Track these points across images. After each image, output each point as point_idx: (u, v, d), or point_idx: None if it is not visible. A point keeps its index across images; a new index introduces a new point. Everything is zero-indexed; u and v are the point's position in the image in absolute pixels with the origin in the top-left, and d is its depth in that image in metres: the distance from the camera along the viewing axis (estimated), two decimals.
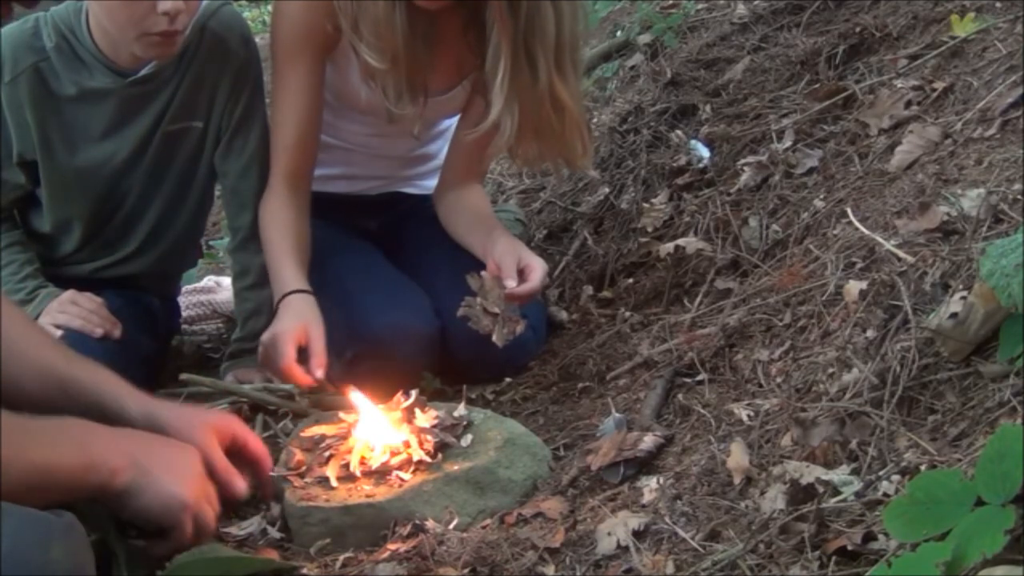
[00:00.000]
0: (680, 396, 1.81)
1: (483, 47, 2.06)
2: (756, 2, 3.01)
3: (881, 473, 1.32)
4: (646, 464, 1.64)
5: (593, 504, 1.57)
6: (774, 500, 1.37)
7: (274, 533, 1.68)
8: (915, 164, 1.98)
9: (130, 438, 1.47)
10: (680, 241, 2.26)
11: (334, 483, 1.69)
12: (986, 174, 1.77)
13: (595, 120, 3.12)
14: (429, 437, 1.73)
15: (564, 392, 2.05)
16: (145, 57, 2.06)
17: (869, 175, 2.06)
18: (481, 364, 2.12)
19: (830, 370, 1.60)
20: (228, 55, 2.16)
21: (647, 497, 1.53)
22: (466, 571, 1.47)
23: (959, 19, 2.26)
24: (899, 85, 2.21)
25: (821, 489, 1.34)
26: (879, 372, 1.48)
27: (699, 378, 1.84)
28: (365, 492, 1.67)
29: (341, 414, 1.86)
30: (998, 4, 2.30)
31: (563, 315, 2.33)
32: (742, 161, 2.34)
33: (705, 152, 2.49)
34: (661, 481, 1.56)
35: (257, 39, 2.32)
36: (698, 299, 2.11)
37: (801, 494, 1.35)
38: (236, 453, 1.66)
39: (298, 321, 1.94)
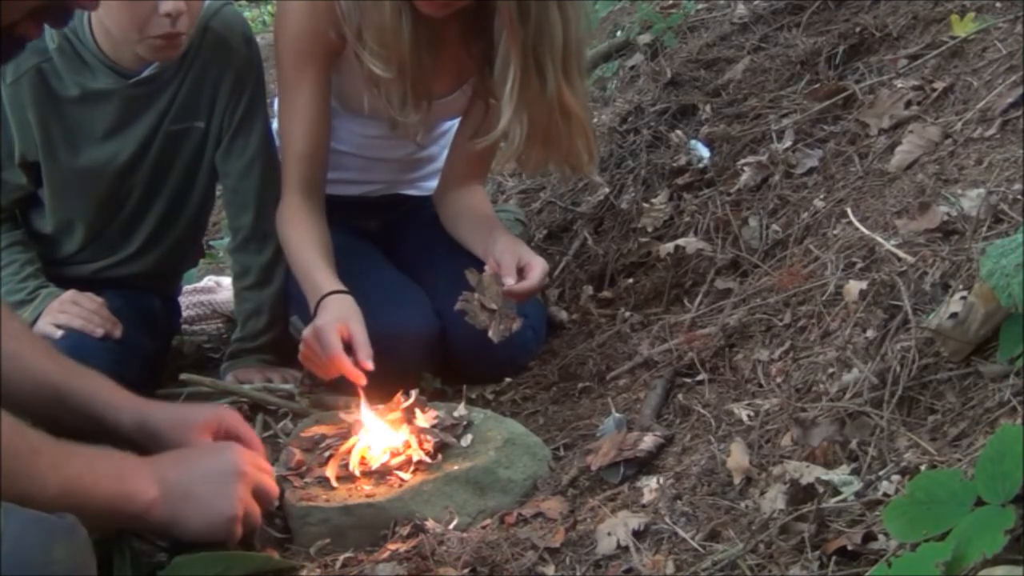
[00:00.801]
0: (680, 396, 1.81)
1: (488, 52, 2.06)
2: (756, 2, 3.01)
3: (881, 473, 1.32)
4: (646, 464, 1.64)
5: (593, 504, 1.57)
6: (774, 500, 1.37)
7: (274, 533, 1.68)
8: (915, 164, 1.98)
9: (165, 466, 1.47)
10: (680, 241, 2.26)
11: (334, 483, 1.70)
12: (986, 174, 1.77)
13: (595, 120, 3.12)
14: (429, 437, 1.73)
15: (564, 392, 2.05)
16: (148, 58, 2.06)
17: (869, 175, 2.06)
18: (481, 364, 2.12)
19: (830, 370, 1.60)
20: (230, 55, 2.16)
21: (647, 497, 1.53)
22: (466, 571, 1.47)
23: (959, 19, 2.26)
24: (899, 85, 2.21)
25: (821, 489, 1.34)
26: (879, 372, 1.48)
27: (699, 378, 1.84)
28: (365, 492, 1.67)
29: (341, 414, 1.86)
30: (998, 4, 2.30)
31: (563, 315, 2.33)
32: (742, 161, 2.34)
33: (705, 152, 2.49)
34: (661, 481, 1.56)
35: (258, 39, 2.32)
36: (698, 299, 2.11)
37: (801, 494, 1.35)
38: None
39: (339, 316, 1.93)
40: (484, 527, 1.61)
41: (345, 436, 1.78)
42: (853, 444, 1.42)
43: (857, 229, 1.84)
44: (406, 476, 1.68)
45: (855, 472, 1.37)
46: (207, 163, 2.23)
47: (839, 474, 1.37)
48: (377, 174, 2.39)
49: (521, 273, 2.01)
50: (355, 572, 1.54)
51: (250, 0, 7.89)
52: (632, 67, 3.26)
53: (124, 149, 2.14)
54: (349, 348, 1.90)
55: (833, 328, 1.70)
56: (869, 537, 1.22)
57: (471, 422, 1.78)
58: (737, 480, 1.48)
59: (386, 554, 1.55)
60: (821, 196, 2.10)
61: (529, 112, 2.01)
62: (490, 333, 1.96)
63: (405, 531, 1.59)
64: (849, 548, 1.22)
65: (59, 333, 2.05)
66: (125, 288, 2.26)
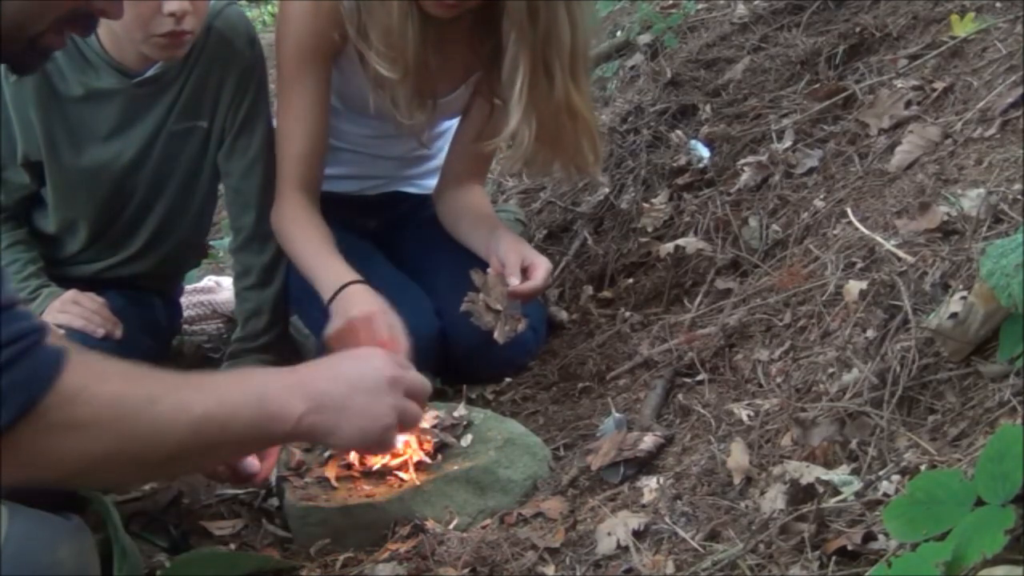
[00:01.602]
0: (680, 396, 1.81)
1: (495, 52, 2.06)
2: (756, 2, 3.01)
3: (881, 473, 1.32)
4: (646, 464, 1.64)
5: (593, 504, 1.57)
6: (774, 500, 1.37)
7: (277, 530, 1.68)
8: (915, 164, 1.98)
9: (313, 377, 1.41)
10: (680, 241, 2.26)
11: (334, 483, 1.70)
12: (986, 174, 1.77)
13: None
14: (429, 437, 1.73)
15: (564, 392, 2.05)
16: (153, 58, 2.06)
17: (869, 175, 2.06)
18: (481, 364, 2.12)
19: (830, 370, 1.60)
20: (233, 55, 2.16)
21: (647, 497, 1.53)
22: (466, 571, 1.47)
23: (959, 19, 2.26)
24: (899, 85, 2.21)
25: (821, 489, 1.34)
26: (879, 372, 1.48)
27: (699, 378, 1.84)
28: (365, 492, 1.67)
29: None
30: (998, 4, 2.30)
31: (563, 315, 2.33)
32: (742, 161, 2.34)
33: (705, 152, 2.49)
34: (661, 481, 1.56)
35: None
36: (698, 299, 2.11)
37: (801, 494, 1.35)
38: None
39: (375, 305, 1.90)
40: (484, 527, 1.61)
41: None
42: (853, 444, 1.42)
43: (857, 229, 1.84)
44: (406, 476, 1.68)
45: (855, 472, 1.37)
46: (210, 163, 2.23)
47: (839, 474, 1.37)
48: (376, 171, 2.39)
49: (525, 273, 2.01)
50: (355, 572, 1.54)
51: (250, 0, 7.89)
52: (632, 67, 3.26)
53: (127, 149, 2.14)
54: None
55: (833, 328, 1.70)
56: (869, 537, 1.22)
57: (471, 422, 1.79)
58: (737, 480, 1.48)
59: (386, 554, 1.55)
60: (821, 196, 2.10)
61: (537, 114, 2.01)
62: (495, 334, 1.96)
63: (405, 531, 1.59)
64: (849, 548, 1.22)
65: (60, 332, 2.05)
66: (127, 288, 2.26)
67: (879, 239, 1.75)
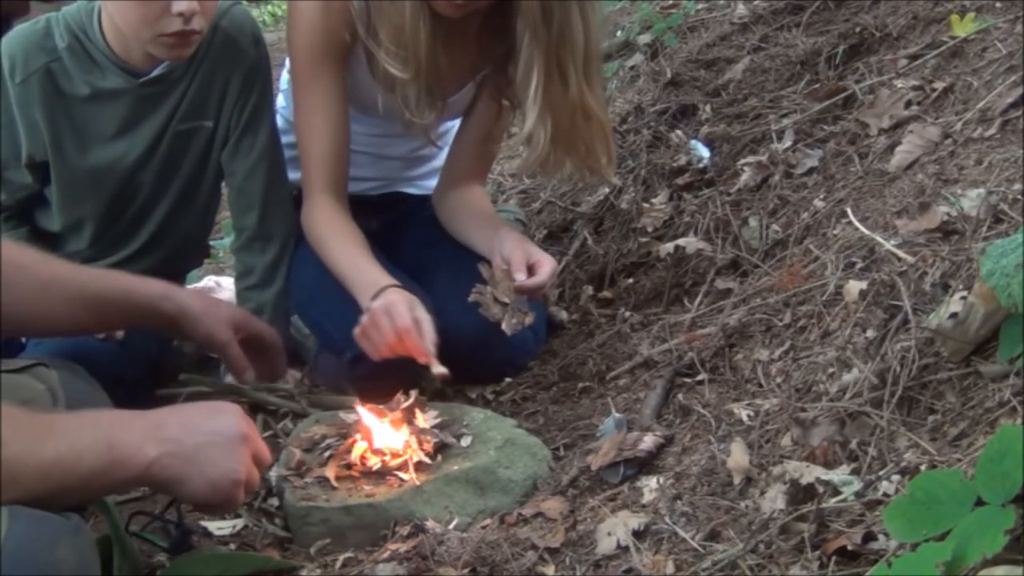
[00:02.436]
0: (680, 396, 1.81)
1: (506, 52, 2.06)
2: (756, 2, 3.01)
3: (881, 473, 1.32)
4: (646, 464, 1.64)
5: (593, 504, 1.57)
6: (774, 500, 1.37)
7: (277, 530, 1.68)
8: (915, 164, 1.98)
9: (167, 424, 1.41)
10: (680, 241, 2.26)
11: (334, 483, 1.70)
12: (986, 174, 1.77)
13: None
14: (429, 437, 1.73)
15: (564, 392, 2.05)
16: (160, 57, 2.06)
17: (869, 175, 2.06)
18: (481, 364, 2.12)
19: (830, 370, 1.60)
20: (239, 55, 2.16)
21: (647, 497, 1.53)
22: (466, 571, 1.47)
23: (959, 19, 2.26)
24: (899, 85, 2.21)
25: (821, 489, 1.34)
26: (879, 372, 1.48)
27: (699, 378, 1.84)
28: (365, 492, 1.67)
29: (341, 414, 1.86)
30: (998, 4, 2.30)
31: (563, 315, 2.33)
32: (742, 161, 2.34)
33: (705, 152, 2.49)
34: (661, 481, 1.56)
35: None
36: (698, 299, 2.11)
37: (801, 494, 1.35)
38: (250, 342, 1.81)
39: (408, 300, 1.90)
40: (484, 527, 1.61)
41: (345, 436, 1.79)
42: (853, 444, 1.42)
43: (857, 229, 1.84)
44: (406, 476, 1.68)
45: (855, 472, 1.37)
46: (214, 163, 2.23)
47: (839, 474, 1.37)
48: (379, 171, 2.39)
49: (530, 270, 2.01)
50: (355, 572, 1.54)
51: (251, 0, 7.89)
52: (632, 67, 3.26)
53: (133, 148, 2.14)
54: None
55: (833, 328, 1.70)
56: (869, 537, 1.22)
57: (470, 423, 1.79)
58: (737, 480, 1.48)
59: (386, 554, 1.55)
60: (821, 196, 2.10)
61: (552, 115, 2.01)
62: (503, 326, 1.96)
63: (405, 531, 1.59)
64: (849, 548, 1.22)
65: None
66: None
67: (879, 239, 1.75)
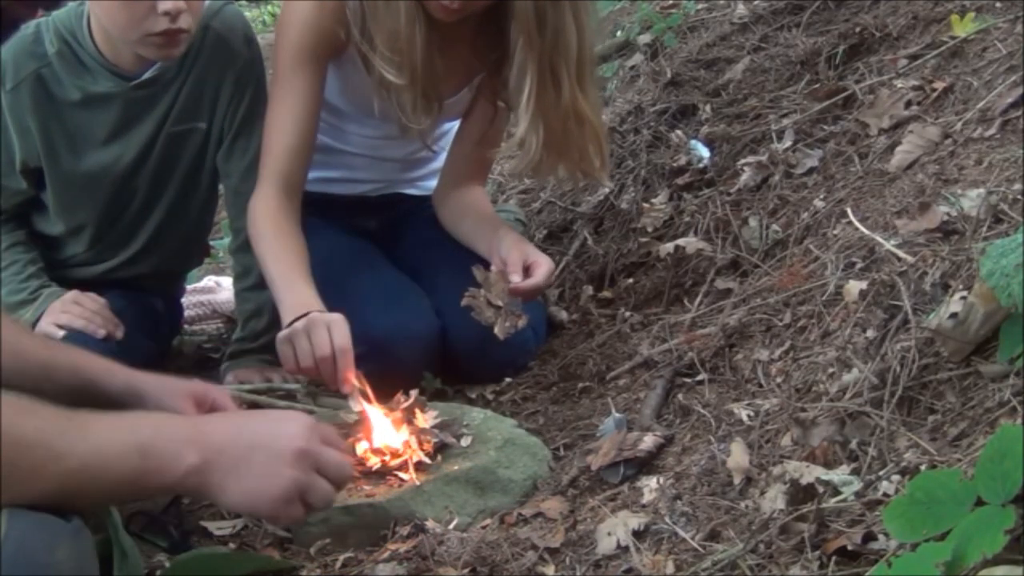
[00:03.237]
0: (680, 396, 1.81)
1: (500, 55, 2.05)
2: (756, 2, 3.01)
3: (881, 473, 1.32)
4: (646, 464, 1.64)
5: (593, 504, 1.57)
6: (774, 500, 1.37)
7: (277, 530, 1.68)
8: (915, 164, 1.98)
9: (215, 430, 1.35)
10: (680, 241, 2.26)
11: None
12: (986, 174, 1.77)
13: None
14: (429, 437, 1.73)
15: (564, 392, 2.05)
16: (149, 58, 2.05)
17: (869, 175, 2.06)
18: (481, 364, 2.12)
19: (830, 370, 1.60)
20: (231, 55, 2.16)
21: (647, 497, 1.53)
22: (466, 571, 1.47)
23: (959, 19, 2.26)
24: (899, 85, 2.21)
25: (821, 489, 1.34)
26: (879, 372, 1.48)
27: (699, 378, 1.84)
28: (365, 492, 1.67)
29: (341, 414, 1.86)
30: (998, 4, 2.30)
31: (563, 315, 2.33)
32: (742, 161, 2.34)
33: (705, 152, 2.49)
34: (661, 481, 1.56)
35: (258, 39, 2.31)
36: (698, 299, 2.11)
37: (801, 494, 1.35)
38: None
39: (328, 319, 1.82)
40: (484, 527, 1.61)
41: (345, 436, 1.78)
42: (853, 444, 1.42)
43: (857, 229, 1.84)
44: (406, 476, 1.68)
45: (855, 472, 1.37)
46: (209, 164, 2.23)
47: (839, 474, 1.37)
48: (377, 173, 2.39)
49: (527, 271, 2.01)
50: (355, 572, 1.54)
51: (250, 0, 7.88)
52: (632, 67, 3.26)
53: (127, 152, 2.14)
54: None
55: (833, 328, 1.70)
56: (869, 537, 1.22)
57: (470, 423, 1.79)
58: (737, 480, 1.48)
59: (386, 554, 1.55)
60: (821, 196, 2.10)
61: (545, 120, 2.01)
62: (495, 330, 1.95)
63: (405, 531, 1.59)
64: (849, 548, 1.22)
65: (61, 333, 2.05)
66: (128, 288, 2.26)
67: (879, 239, 1.75)
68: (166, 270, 2.35)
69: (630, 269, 2.39)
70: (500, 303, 1.96)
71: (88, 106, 2.10)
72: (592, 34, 2.04)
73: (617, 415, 1.78)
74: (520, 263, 2.01)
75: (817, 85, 2.45)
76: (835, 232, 1.93)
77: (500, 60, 2.08)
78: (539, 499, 1.65)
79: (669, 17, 3.26)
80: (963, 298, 1.41)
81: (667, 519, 1.45)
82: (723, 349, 1.87)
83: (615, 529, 1.45)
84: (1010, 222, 1.59)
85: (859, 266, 1.77)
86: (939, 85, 2.14)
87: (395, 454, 1.71)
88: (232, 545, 1.68)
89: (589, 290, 2.38)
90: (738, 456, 1.50)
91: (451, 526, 1.60)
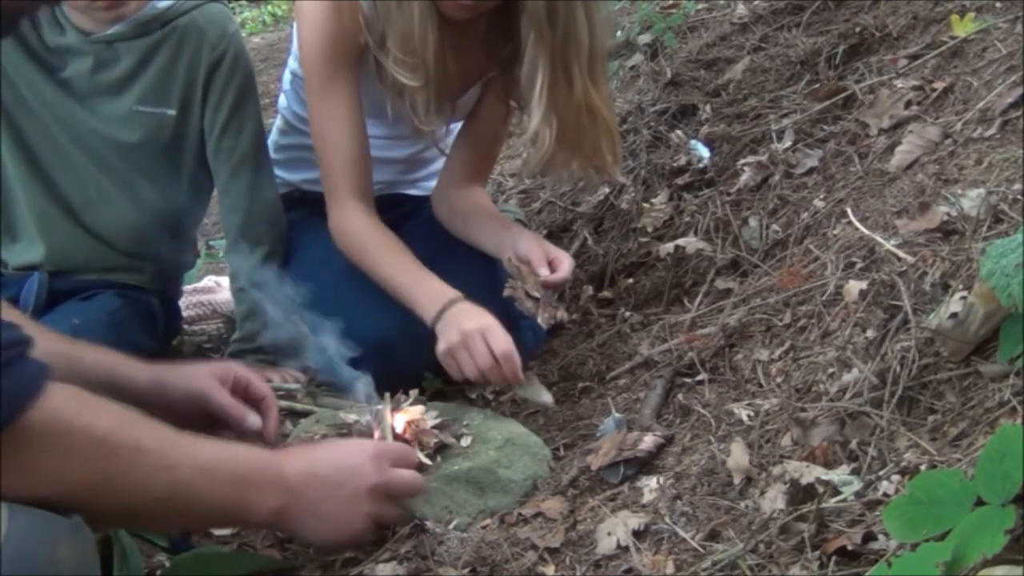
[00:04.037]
0: (680, 396, 1.81)
1: (512, 54, 2.05)
2: (756, 2, 3.02)
3: (881, 473, 1.32)
4: (646, 464, 1.64)
5: (593, 504, 1.57)
6: (774, 500, 1.37)
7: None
8: (915, 164, 1.98)
9: (296, 472, 1.42)
10: (680, 241, 2.26)
11: None
12: (986, 174, 1.77)
13: None
14: (429, 438, 1.73)
15: (564, 392, 2.05)
16: (101, 24, 2.09)
17: (869, 175, 2.06)
18: None
19: (830, 370, 1.60)
20: (205, 46, 2.15)
21: (647, 497, 1.53)
22: (466, 571, 1.47)
23: (959, 19, 2.26)
24: (899, 85, 2.21)
25: (821, 489, 1.34)
26: (879, 372, 1.48)
27: (699, 378, 1.84)
28: None
29: (341, 414, 1.86)
30: (998, 4, 2.30)
31: (563, 315, 2.33)
32: (742, 161, 2.35)
33: (705, 152, 2.49)
34: (661, 481, 1.56)
35: (258, 39, 2.31)
36: (698, 299, 2.11)
37: (801, 494, 1.35)
38: (240, 393, 1.69)
39: (486, 320, 1.88)
40: (484, 527, 1.61)
41: (345, 436, 1.78)
42: (853, 444, 1.42)
43: (857, 229, 1.84)
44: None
45: (855, 472, 1.37)
46: (189, 157, 2.22)
47: (839, 474, 1.37)
48: (380, 174, 2.38)
49: (551, 266, 2.02)
50: (355, 572, 1.54)
51: (252, 0, 7.89)
52: (632, 67, 3.26)
53: (92, 119, 2.14)
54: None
55: (833, 328, 1.70)
56: (869, 537, 1.22)
57: (470, 423, 1.79)
58: (737, 480, 1.48)
59: (386, 554, 1.55)
60: (821, 196, 2.10)
61: (558, 115, 2.01)
62: (539, 320, 1.98)
63: (405, 531, 1.59)
64: (849, 548, 1.22)
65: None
66: (124, 289, 2.25)
67: (879, 239, 1.75)
68: (156, 270, 2.33)
69: (630, 269, 2.39)
70: (537, 295, 1.98)
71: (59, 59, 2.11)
72: (603, 29, 2.04)
73: (617, 415, 1.78)
74: (543, 258, 2.02)
75: (817, 85, 2.45)
76: (835, 232, 1.93)
77: (511, 58, 2.08)
78: (539, 499, 1.65)
79: (669, 17, 3.26)
80: (963, 298, 1.41)
81: (667, 519, 1.45)
82: (723, 349, 1.87)
83: (615, 529, 1.45)
84: (1010, 222, 1.59)
85: (859, 266, 1.77)
86: (939, 85, 2.14)
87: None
88: (232, 545, 1.68)
89: (589, 290, 2.38)
90: (738, 456, 1.50)
91: (451, 526, 1.60)
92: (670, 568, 1.34)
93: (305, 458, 1.48)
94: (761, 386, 1.72)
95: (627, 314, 2.21)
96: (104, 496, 1.21)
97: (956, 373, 1.41)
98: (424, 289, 1.97)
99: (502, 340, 1.85)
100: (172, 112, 2.18)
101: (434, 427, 1.76)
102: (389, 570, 1.50)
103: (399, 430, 1.74)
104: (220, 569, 1.54)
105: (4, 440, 1.11)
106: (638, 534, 1.43)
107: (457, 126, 2.34)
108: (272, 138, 2.43)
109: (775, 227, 2.13)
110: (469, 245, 2.23)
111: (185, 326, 2.64)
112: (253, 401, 1.70)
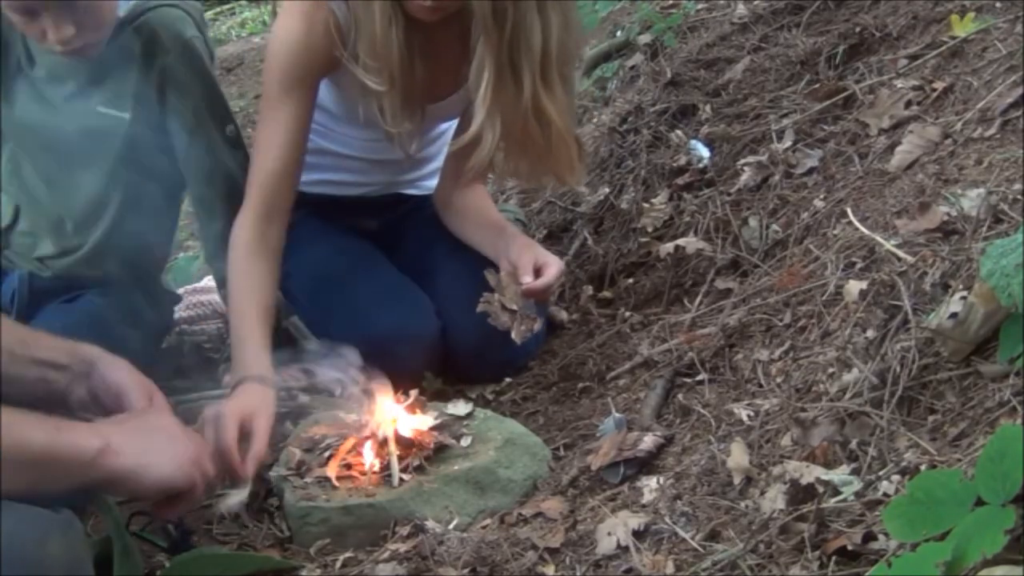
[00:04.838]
0: (680, 396, 1.81)
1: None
2: (756, 2, 3.01)
3: (881, 473, 1.32)
4: (646, 464, 1.64)
5: (593, 504, 1.57)
6: (774, 500, 1.37)
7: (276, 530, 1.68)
8: (915, 164, 1.98)
9: (107, 424, 1.40)
10: (680, 241, 2.26)
11: (334, 483, 1.70)
12: (986, 174, 1.77)
13: (595, 120, 3.12)
14: (429, 438, 1.73)
15: (564, 392, 2.05)
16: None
17: (869, 175, 2.06)
18: (481, 364, 2.12)
19: (830, 370, 1.60)
20: (157, 50, 2.08)
21: (647, 497, 1.53)
22: (466, 571, 1.47)
23: (959, 19, 2.26)
24: (899, 85, 2.21)
25: (821, 489, 1.34)
26: (879, 372, 1.48)
27: (699, 378, 1.84)
28: (365, 492, 1.67)
29: (341, 414, 1.86)
30: (998, 4, 2.30)
31: (563, 315, 2.33)
32: (742, 161, 2.34)
33: (705, 152, 2.49)
34: (661, 481, 1.56)
35: (258, 39, 2.29)
36: (698, 299, 2.11)
37: (801, 494, 1.35)
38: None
39: (247, 405, 1.73)
40: (484, 527, 1.61)
41: (345, 436, 1.79)
42: (853, 444, 1.42)
43: (857, 229, 1.84)
44: (406, 476, 1.68)
45: (855, 472, 1.37)
46: (151, 162, 2.18)
47: (839, 474, 1.37)
48: (377, 175, 2.39)
49: (537, 273, 2.01)
50: (355, 572, 1.55)
51: (250, 0, 7.88)
52: (632, 67, 3.26)
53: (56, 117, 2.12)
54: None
55: (833, 328, 1.70)
56: (869, 537, 1.22)
57: (471, 416, 1.79)
58: (737, 480, 1.48)
59: (386, 554, 1.55)
60: (821, 196, 2.10)
61: (503, 117, 1.96)
62: (513, 334, 1.96)
63: (405, 531, 1.59)
64: (849, 548, 1.22)
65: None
66: (103, 286, 2.23)
67: (879, 239, 1.75)
68: (124, 273, 2.30)
69: (630, 269, 2.39)
70: (514, 307, 1.96)
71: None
72: (565, 34, 1.98)
73: (617, 415, 1.78)
74: (531, 266, 2.00)
75: (817, 85, 2.45)
76: (835, 232, 1.93)
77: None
78: (539, 499, 1.65)
79: (669, 17, 3.26)
80: (963, 298, 1.41)
81: (667, 519, 1.45)
82: (723, 349, 1.87)
83: (615, 529, 1.45)
84: (1010, 222, 1.59)
85: (859, 266, 1.77)
86: (939, 85, 2.14)
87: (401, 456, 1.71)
88: (232, 545, 1.68)
89: (589, 290, 2.38)
90: (738, 456, 1.50)
91: (451, 526, 1.61)
92: (670, 568, 1.35)
93: (114, 417, 1.46)
94: (761, 386, 1.72)
95: (627, 314, 2.21)
96: None
97: (956, 373, 1.41)
98: (242, 350, 1.87)
99: (227, 434, 1.65)
100: (125, 115, 2.14)
101: (434, 427, 1.76)
102: (389, 570, 1.51)
103: (407, 436, 1.74)
104: (220, 569, 1.54)
105: None
106: (638, 534, 1.43)
107: (449, 126, 2.33)
108: None
109: (775, 227, 2.13)
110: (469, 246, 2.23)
111: (185, 326, 2.63)
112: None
